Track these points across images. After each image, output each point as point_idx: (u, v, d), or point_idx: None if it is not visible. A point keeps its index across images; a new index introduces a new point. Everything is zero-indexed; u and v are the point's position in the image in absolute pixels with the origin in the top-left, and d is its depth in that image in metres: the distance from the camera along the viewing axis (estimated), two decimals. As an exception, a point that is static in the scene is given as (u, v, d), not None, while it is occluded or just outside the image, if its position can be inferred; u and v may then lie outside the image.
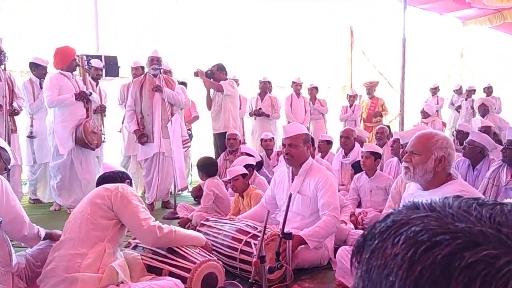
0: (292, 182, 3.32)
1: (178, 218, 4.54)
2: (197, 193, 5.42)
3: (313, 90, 8.02)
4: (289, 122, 7.25)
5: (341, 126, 8.37)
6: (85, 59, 5.49)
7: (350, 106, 8.33)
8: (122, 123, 6.26)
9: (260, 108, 7.16)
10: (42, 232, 2.78)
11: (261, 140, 6.24)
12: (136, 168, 6.17)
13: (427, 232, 0.40)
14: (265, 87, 7.34)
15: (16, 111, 5.03)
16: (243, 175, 4.06)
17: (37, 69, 5.47)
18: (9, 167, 2.82)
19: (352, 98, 8.36)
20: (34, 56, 5.57)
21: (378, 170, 4.38)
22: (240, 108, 6.56)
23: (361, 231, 3.57)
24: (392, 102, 8.56)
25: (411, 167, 2.29)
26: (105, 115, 5.95)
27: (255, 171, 4.78)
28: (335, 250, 3.33)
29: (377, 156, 4.34)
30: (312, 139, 4.97)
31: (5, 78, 4.94)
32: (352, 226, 3.75)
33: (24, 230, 2.62)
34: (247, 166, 4.29)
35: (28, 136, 5.46)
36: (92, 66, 5.87)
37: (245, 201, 4.03)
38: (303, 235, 2.95)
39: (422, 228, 0.41)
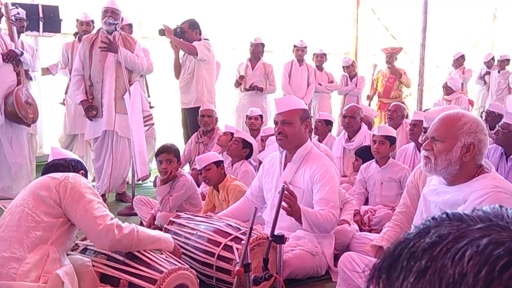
0: (284, 170, 3.34)
1: (136, 215, 4.55)
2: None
3: (321, 58, 8.09)
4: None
5: (339, 102, 8.45)
6: (11, 7, 5.28)
7: (351, 78, 8.37)
8: (66, 92, 6.19)
9: (253, 83, 7.12)
10: None
11: (246, 117, 6.25)
12: (84, 150, 6.11)
13: (500, 246, 0.41)
14: (257, 51, 7.31)
15: None
16: (217, 163, 4.07)
17: None
18: None
19: (349, 69, 8.39)
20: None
21: (391, 158, 4.44)
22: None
23: (369, 234, 3.63)
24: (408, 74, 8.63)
25: (431, 156, 2.31)
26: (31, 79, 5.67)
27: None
28: (336, 257, 3.40)
29: (392, 141, 4.39)
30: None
31: None
32: (357, 227, 3.81)
33: None
34: (241, 141, 4.43)
35: None
36: (18, 17, 5.67)
37: (221, 196, 4.05)
38: (302, 209, 2.97)
39: (490, 242, 0.42)
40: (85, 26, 6.07)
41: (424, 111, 5.86)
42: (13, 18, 5.20)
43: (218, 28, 7.98)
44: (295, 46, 7.79)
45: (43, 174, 2.64)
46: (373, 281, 0.46)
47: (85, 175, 2.76)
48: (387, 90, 8.36)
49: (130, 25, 6.06)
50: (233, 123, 7.16)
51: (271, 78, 7.32)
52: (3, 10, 5.16)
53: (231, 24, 8.71)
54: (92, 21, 6.10)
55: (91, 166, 5.66)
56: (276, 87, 7.43)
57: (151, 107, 6.20)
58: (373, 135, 4.46)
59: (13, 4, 5.48)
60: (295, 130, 3.22)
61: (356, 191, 4.52)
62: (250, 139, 4.99)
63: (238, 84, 7.25)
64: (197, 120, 5.89)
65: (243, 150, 4.77)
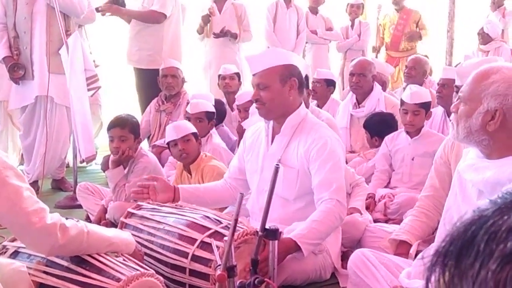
0: (271, 145, 3.36)
1: (80, 207, 4.55)
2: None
3: None
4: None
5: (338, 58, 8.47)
6: None
7: (352, 26, 8.39)
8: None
9: (224, 27, 7.05)
10: None
11: (219, 77, 6.25)
12: (3, 123, 6.02)
13: None
14: None
15: None
16: (195, 135, 4.12)
17: None
18: None
19: (354, 9, 8.38)
20: None
21: (424, 127, 4.47)
22: None
23: (385, 225, 3.67)
24: (430, 19, 8.63)
25: (454, 122, 2.34)
26: None
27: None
28: (344, 255, 3.44)
29: (428, 108, 4.42)
30: (307, 78, 4.99)
31: None
32: (370, 217, 3.85)
33: None
34: (205, 115, 4.46)
35: None
36: None
37: (194, 179, 4.08)
38: (294, 237, 3.00)
39: None
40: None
41: (456, 66, 5.88)
42: None
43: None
44: None
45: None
46: (436, 269, 0.46)
47: None
48: (396, 41, 8.45)
49: None
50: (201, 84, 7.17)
51: (245, 22, 7.28)
52: None
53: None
54: None
55: (18, 144, 5.63)
56: (252, 33, 7.40)
57: (95, 66, 6.18)
58: (403, 103, 4.44)
59: None
60: (273, 94, 3.22)
61: (378, 168, 4.56)
62: (210, 107, 4.96)
63: (201, 29, 7.16)
64: (156, 83, 5.87)
65: (209, 125, 4.80)
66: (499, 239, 0.44)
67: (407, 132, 4.46)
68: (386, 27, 8.55)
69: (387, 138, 4.59)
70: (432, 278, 0.47)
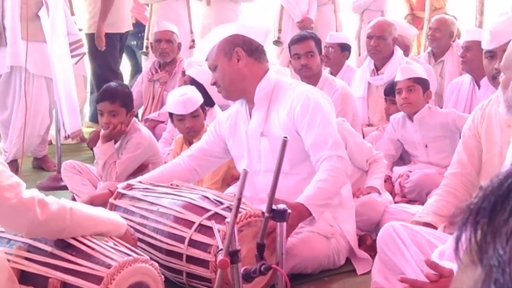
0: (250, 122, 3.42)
1: (64, 188, 4.58)
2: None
3: None
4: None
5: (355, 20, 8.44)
6: None
7: None
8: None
9: None
10: None
11: None
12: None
13: None
14: None
15: None
16: (202, 106, 4.20)
17: None
18: None
19: None
20: None
21: (428, 105, 4.45)
22: None
23: (407, 206, 3.69)
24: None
25: (504, 97, 2.36)
26: None
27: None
28: (360, 240, 3.46)
29: (425, 85, 4.41)
30: (318, 40, 4.98)
31: None
32: (390, 197, 3.87)
33: None
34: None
35: None
36: None
37: None
38: (300, 201, 3.01)
39: None
40: None
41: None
42: None
43: None
44: None
45: None
46: (467, 227, 0.47)
47: None
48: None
49: None
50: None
51: None
52: None
53: None
54: None
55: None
56: None
57: (79, 30, 6.20)
58: (396, 82, 4.47)
59: None
60: (224, 72, 3.32)
61: (386, 153, 4.48)
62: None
63: None
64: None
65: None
66: None
67: (409, 117, 4.45)
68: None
69: (393, 120, 4.59)
70: (463, 237, 0.47)
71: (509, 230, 0.44)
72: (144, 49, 7.13)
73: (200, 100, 4.24)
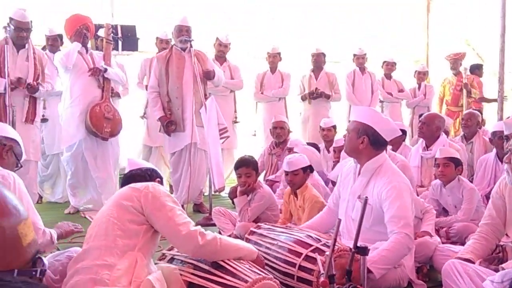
0: (354, 183, 3.32)
1: (214, 225, 4.62)
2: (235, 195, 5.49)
3: (391, 66, 8.01)
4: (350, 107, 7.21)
5: (407, 114, 8.28)
6: (106, 27, 5.58)
7: (419, 88, 8.23)
8: (146, 107, 6.41)
9: (317, 88, 7.14)
10: (54, 235, 2.92)
11: (320, 128, 6.31)
12: (157, 162, 6.31)
13: None
14: (319, 61, 7.33)
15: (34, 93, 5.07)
16: (304, 169, 4.08)
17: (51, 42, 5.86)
18: (20, 163, 2.97)
19: (421, 75, 8.25)
20: (49, 28, 5.91)
21: (458, 177, 4.26)
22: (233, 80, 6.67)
23: (452, 246, 3.50)
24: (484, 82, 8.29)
25: (510, 170, 2.22)
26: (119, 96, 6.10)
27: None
28: (418, 270, 3.32)
29: (457, 163, 4.24)
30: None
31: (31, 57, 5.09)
32: (438, 238, 3.70)
33: (38, 238, 2.72)
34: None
35: (41, 120, 5.58)
36: (98, 36, 6.02)
37: (299, 201, 4.07)
38: (367, 264, 2.91)
39: None
40: (164, 44, 6.36)
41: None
42: (110, 37, 5.52)
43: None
44: (355, 55, 7.74)
45: (122, 185, 2.73)
46: None
47: (161, 183, 2.85)
48: (455, 98, 8.11)
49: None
50: (299, 135, 7.18)
51: (336, 87, 7.34)
52: (99, 33, 5.65)
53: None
54: (167, 41, 6.36)
55: (167, 178, 5.83)
56: (341, 95, 7.43)
57: (236, 122, 6.42)
58: (436, 159, 4.34)
59: (97, 25, 5.85)
60: (349, 141, 3.27)
61: (430, 207, 4.28)
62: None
63: (305, 97, 7.29)
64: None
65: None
66: None
67: (443, 184, 4.28)
68: (446, 88, 8.27)
69: (433, 184, 4.42)
70: None
71: None
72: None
73: (301, 165, 4.07)
